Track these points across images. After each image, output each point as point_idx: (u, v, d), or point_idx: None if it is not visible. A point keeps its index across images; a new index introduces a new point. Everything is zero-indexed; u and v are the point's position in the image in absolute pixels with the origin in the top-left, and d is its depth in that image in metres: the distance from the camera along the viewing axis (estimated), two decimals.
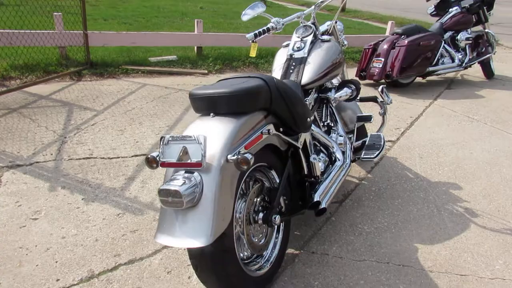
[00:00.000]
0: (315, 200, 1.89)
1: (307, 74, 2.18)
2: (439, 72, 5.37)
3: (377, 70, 5.01)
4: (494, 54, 5.71)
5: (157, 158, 1.46)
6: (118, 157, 2.96)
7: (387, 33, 7.11)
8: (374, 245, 2.11)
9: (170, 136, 1.42)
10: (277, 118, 1.73)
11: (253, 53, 2.41)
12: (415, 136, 3.63)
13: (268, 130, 1.63)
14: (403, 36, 5.08)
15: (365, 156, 2.40)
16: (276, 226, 1.84)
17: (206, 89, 1.55)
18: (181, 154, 1.39)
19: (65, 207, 2.33)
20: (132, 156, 2.99)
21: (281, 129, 1.75)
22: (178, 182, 1.33)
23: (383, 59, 5.00)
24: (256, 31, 2.28)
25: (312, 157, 1.98)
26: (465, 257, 2.05)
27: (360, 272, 1.91)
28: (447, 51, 5.39)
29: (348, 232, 2.21)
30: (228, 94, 1.50)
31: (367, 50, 5.29)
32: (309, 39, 2.31)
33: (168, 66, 5.62)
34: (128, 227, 2.18)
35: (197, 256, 1.46)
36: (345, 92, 2.38)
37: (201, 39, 6.03)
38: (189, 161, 1.37)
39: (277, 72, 2.30)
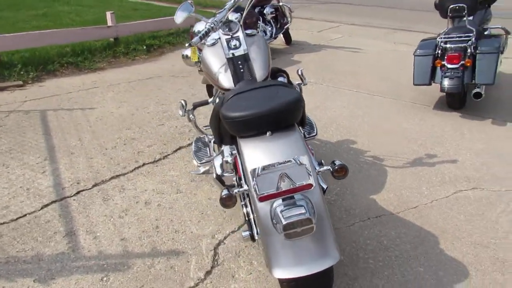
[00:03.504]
0: None
1: (260, 70, 2.19)
2: None
3: None
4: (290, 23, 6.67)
5: (233, 193, 1.36)
6: (25, 215, 2.31)
7: None
8: (348, 209, 2.43)
9: (262, 167, 1.32)
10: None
11: (195, 57, 2.25)
12: None
13: (305, 135, 1.67)
14: None
15: (309, 136, 2.63)
16: None
17: (250, 108, 1.48)
18: (279, 182, 1.33)
19: None
20: (43, 208, 2.38)
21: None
22: (300, 210, 1.29)
23: None
24: (200, 35, 2.14)
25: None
26: (404, 193, 2.60)
27: (359, 234, 2.21)
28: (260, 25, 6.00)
29: None
30: (285, 108, 1.47)
31: None
32: (240, 34, 2.30)
33: None
34: None
35: (318, 277, 1.42)
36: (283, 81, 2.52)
37: None
38: (292, 186, 1.33)
39: (223, 74, 2.23)
